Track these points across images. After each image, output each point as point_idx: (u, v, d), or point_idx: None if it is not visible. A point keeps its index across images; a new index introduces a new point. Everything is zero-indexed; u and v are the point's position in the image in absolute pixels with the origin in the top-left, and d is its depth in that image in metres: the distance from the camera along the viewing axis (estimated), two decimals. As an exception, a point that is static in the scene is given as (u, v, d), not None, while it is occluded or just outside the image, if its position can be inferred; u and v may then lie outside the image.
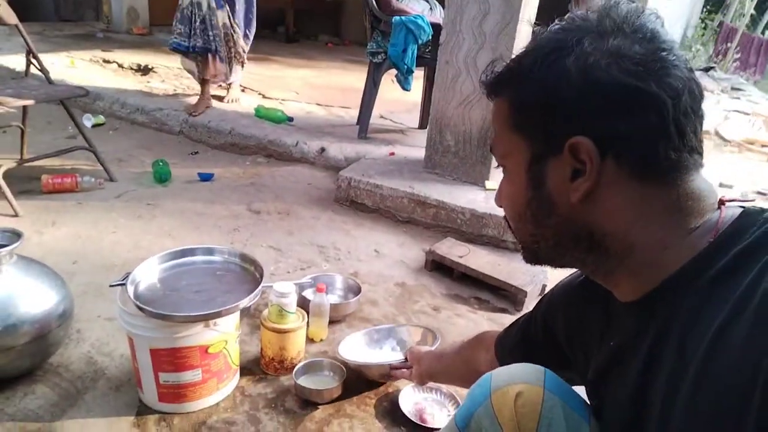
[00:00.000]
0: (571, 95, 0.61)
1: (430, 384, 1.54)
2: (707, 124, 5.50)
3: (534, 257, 0.72)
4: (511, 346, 1.03)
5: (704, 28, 11.35)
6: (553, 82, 0.62)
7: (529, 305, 2.08)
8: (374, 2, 3.21)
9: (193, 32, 3.38)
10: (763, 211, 0.60)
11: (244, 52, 3.61)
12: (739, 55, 9.89)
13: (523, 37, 2.52)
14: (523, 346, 0.99)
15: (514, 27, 2.43)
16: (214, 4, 3.36)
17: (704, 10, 12.22)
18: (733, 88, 7.92)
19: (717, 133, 5.29)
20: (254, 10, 3.66)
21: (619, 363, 0.68)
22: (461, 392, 1.51)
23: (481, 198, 2.58)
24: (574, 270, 0.87)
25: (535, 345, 0.96)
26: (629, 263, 0.64)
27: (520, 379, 0.79)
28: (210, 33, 3.40)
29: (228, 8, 3.43)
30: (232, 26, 3.47)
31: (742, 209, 0.62)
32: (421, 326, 1.76)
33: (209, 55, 3.47)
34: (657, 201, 0.61)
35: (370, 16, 3.27)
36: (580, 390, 0.82)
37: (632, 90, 0.59)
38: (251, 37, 3.71)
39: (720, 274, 0.56)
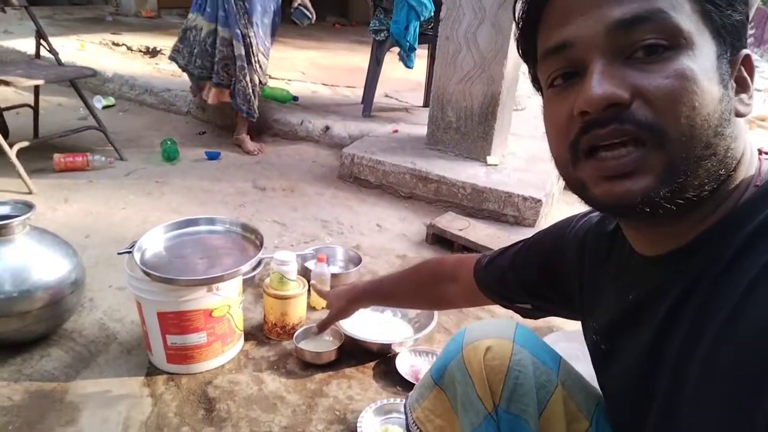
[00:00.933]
0: None
1: (426, 347, 1.61)
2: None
3: (676, 190, 0.52)
4: (498, 275, 0.96)
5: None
6: None
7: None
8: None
9: (191, 56, 2.99)
10: None
11: (263, 70, 3.10)
12: (753, 31, 9.71)
13: (523, 12, 2.53)
14: (515, 274, 0.93)
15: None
16: (226, 35, 2.91)
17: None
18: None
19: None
20: (281, 16, 3.16)
21: (635, 318, 0.64)
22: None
23: (482, 173, 2.62)
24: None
25: (527, 276, 0.91)
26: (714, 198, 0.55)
27: (491, 333, 0.83)
28: (212, 61, 2.96)
29: (252, 34, 2.94)
30: (253, 54, 2.98)
31: None
32: None
33: (207, 83, 3.05)
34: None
35: (373, -6, 3.29)
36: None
37: None
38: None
39: (757, 229, 0.52)
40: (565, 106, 0.56)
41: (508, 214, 2.47)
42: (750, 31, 9.98)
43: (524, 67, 2.45)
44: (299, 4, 3.11)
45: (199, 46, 2.94)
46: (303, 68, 4.62)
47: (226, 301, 1.45)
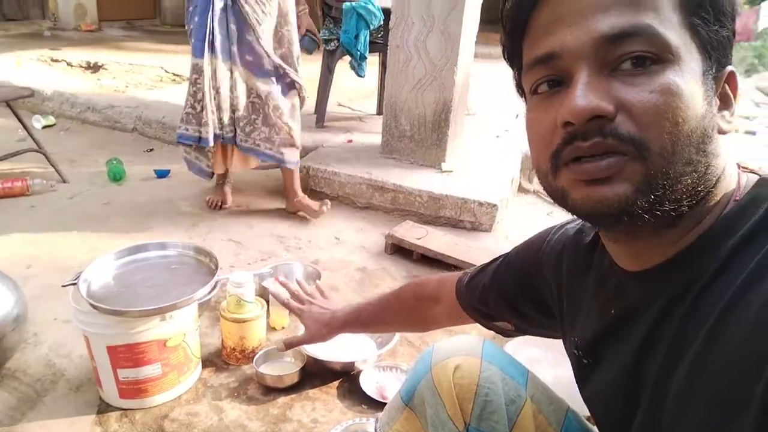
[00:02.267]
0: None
1: (390, 363, 1.59)
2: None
3: (654, 202, 0.52)
4: (479, 293, 0.95)
5: None
6: None
7: (487, 281, 2.14)
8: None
9: (204, 119, 2.29)
10: None
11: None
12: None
13: (471, 18, 2.56)
14: (495, 291, 0.91)
15: (461, 8, 2.46)
16: (264, 91, 2.31)
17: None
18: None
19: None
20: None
21: (617, 333, 0.64)
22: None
23: (438, 180, 2.63)
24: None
25: (506, 291, 0.89)
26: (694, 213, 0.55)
27: (459, 351, 0.82)
28: (232, 116, 2.36)
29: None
30: (290, 70, 2.40)
31: (758, 177, 0.57)
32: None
33: (229, 148, 2.45)
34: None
35: (321, 3, 3.26)
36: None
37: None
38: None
39: (740, 243, 0.52)
40: (548, 115, 0.55)
41: (465, 220, 2.48)
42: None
43: (475, 73, 2.44)
44: (307, 31, 2.77)
45: (219, 97, 2.28)
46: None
47: (181, 329, 1.40)
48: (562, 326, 0.78)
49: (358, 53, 3.12)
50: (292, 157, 2.44)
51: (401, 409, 0.88)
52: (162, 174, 2.90)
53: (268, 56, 2.29)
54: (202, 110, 2.27)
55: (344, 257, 2.24)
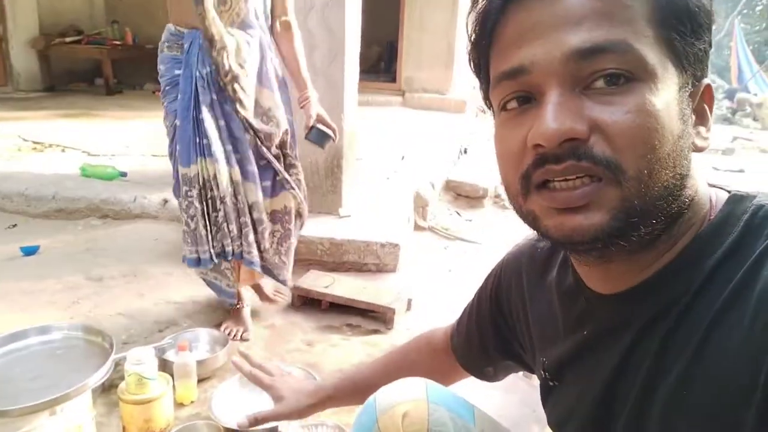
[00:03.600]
0: (708, 7, 0.51)
1: (315, 421, 1.50)
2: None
3: (629, 228, 0.50)
4: (465, 335, 0.92)
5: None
6: None
7: (399, 321, 2.14)
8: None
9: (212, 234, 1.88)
10: (750, 195, 0.55)
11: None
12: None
13: (351, 66, 2.63)
14: (474, 330, 0.89)
15: (342, 57, 2.53)
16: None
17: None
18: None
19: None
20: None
21: (589, 355, 0.62)
22: (350, 424, 1.49)
23: (338, 226, 2.61)
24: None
25: (483, 326, 0.87)
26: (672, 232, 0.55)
27: (404, 397, 0.79)
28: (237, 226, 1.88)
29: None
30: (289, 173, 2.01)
31: (729, 193, 0.56)
32: (297, 366, 1.71)
33: (237, 265, 1.99)
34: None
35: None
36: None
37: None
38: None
39: (717, 264, 0.51)
40: (518, 133, 0.53)
41: (370, 263, 2.48)
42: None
43: (363, 116, 2.45)
44: (316, 121, 1.97)
45: (225, 208, 1.84)
46: (127, 141, 4.28)
47: (76, 423, 1.23)
48: (532, 348, 0.77)
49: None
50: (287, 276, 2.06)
51: None
52: (30, 251, 2.59)
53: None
54: (196, 227, 1.86)
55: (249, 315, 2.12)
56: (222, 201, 1.83)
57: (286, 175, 1.97)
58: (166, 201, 3.04)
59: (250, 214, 1.89)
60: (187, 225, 1.87)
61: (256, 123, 1.84)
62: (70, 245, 2.72)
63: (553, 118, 0.48)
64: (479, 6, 0.55)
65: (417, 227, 3.20)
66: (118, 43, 6.71)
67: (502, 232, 3.41)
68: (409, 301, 2.23)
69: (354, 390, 1.02)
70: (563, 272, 0.68)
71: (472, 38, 0.57)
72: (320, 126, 1.96)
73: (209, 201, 1.84)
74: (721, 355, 0.47)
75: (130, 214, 3.03)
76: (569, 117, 0.48)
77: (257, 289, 2.18)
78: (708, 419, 0.47)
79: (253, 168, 1.86)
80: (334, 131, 1.99)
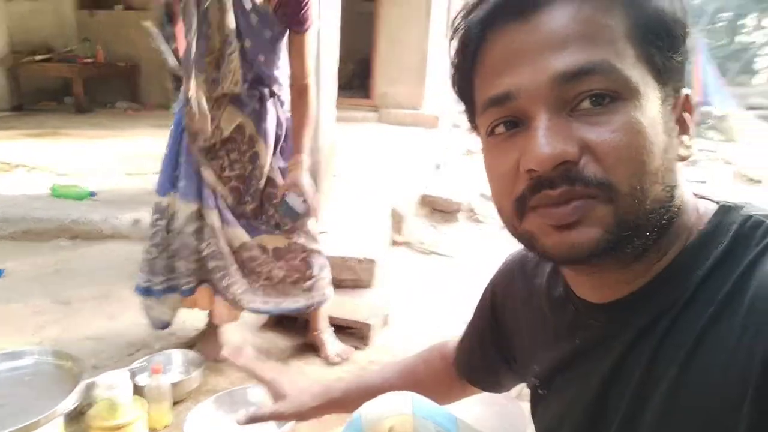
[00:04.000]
0: (683, 20, 0.52)
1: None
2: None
3: (622, 241, 0.51)
4: (468, 360, 0.92)
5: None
6: None
7: (376, 337, 2.13)
8: (173, 63, 3.12)
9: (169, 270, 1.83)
10: (738, 206, 0.56)
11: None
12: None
13: (330, 82, 2.65)
14: (478, 348, 0.89)
15: (319, 73, 2.53)
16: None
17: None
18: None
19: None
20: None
21: (579, 364, 0.63)
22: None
23: (313, 243, 2.60)
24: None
25: (485, 342, 0.87)
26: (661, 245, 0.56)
27: (390, 411, 0.78)
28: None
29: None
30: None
31: (718, 204, 0.57)
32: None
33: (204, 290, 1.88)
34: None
35: (171, 76, 3.16)
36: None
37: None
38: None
39: (707, 275, 0.52)
40: (508, 158, 0.53)
41: (347, 279, 2.47)
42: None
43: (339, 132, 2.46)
44: (288, 191, 1.78)
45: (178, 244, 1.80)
46: (99, 160, 4.22)
47: (44, 452, 1.19)
48: (523, 356, 0.78)
49: (215, 124, 3.04)
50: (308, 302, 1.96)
51: None
52: (-5, 274, 2.53)
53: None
54: (156, 257, 1.83)
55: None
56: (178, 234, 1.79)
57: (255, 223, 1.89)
58: (137, 221, 3.00)
59: (236, 254, 1.84)
60: (149, 253, 1.83)
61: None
62: (38, 267, 2.65)
63: (545, 142, 0.50)
64: (459, 32, 0.56)
65: (394, 242, 3.21)
66: (89, 61, 6.62)
67: (477, 246, 3.44)
68: (386, 317, 2.23)
69: (363, 396, 0.93)
70: (553, 281, 0.69)
71: (455, 63, 0.58)
72: (291, 200, 1.77)
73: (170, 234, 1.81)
74: (711, 365, 0.48)
75: (101, 234, 2.97)
76: (560, 140, 0.49)
77: (323, 348, 2.02)
78: (698, 429, 0.48)
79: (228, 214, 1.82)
80: (309, 207, 1.80)
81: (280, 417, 0.97)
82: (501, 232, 3.85)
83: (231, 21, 1.62)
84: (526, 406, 1.67)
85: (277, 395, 0.96)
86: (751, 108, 8.92)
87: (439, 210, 3.85)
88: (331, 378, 1.86)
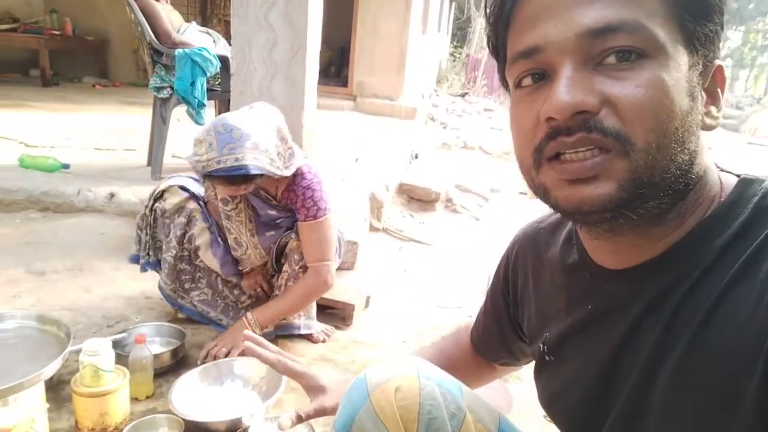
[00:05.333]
0: None
1: (280, 413, 1.49)
2: (473, 141, 6.24)
3: (637, 199, 0.52)
4: (484, 337, 0.94)
5: (454, 60, 13.12)
6: None
7: (358, 318, 2.14)
8: (152, 35, 3.04)
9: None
10: (759, 179, 0.56)
11: None
12: (486, 81, 11.57)
13: (312, 64, 2.63)
14: (495, 328, 0.90)
15: (303, 54, 2.52)
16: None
17: (452, 44, 14.13)
18: (485, 110, 9.26)
19: (481, 148, 6.11)
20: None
21: (592, 330, 0.63)
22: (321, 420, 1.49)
23: (294, 223, 2.59)
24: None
25: (500, 316, 0.88)
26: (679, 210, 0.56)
27: (396, 372, 0.79)
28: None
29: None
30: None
31: (739, 177, 0.58)
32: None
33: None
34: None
35: (149, 50, 3.09)
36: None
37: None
38: None
39: (727, 243, 0.53)
40: (532, 109, 0.55)
41: (327, 261, 2.47)
42: (483, 82, 11.79)
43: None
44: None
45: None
46: (67, 133, 4.09)
47: (28, 414, 1.16)
48: (532, 325, 0.78)
49: (196, 101, 2.99)
50: None
51: None
52: (-38, 243, 2.43)
53: None
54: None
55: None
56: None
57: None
58: (112, 195, 2.93)
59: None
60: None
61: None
62: (8, 238, 2.56)
63: (565, 91, 0.51)
64: None
65: (372, 228, 3.22)
66: (56, 33, 6.41)
67: (454, 235, 3.49)
68: (368, 299, 2.24)
69: None
70: (567, 249, 0.70)
71: (491, 20, 0.60)
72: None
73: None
74: (727, 327, 0.49)
75: (73, 207, 2.89)
76: (580, 90, 0.50)
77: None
78: (710, 388, 0.48)
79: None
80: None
81: (324, 412, 0.92)
82: (477, 222, 3.92)
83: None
84: (511, 387, 1.72)
85: (314, 389, 0.94)
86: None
87: (416, 199, 3.88)
88: (314, 355, 1.87)
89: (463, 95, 10.40)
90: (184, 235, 1.83)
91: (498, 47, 0.60)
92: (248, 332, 0.92)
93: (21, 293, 2.07)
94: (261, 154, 1.54)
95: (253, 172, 1.50)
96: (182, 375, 1.59)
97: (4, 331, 1.27)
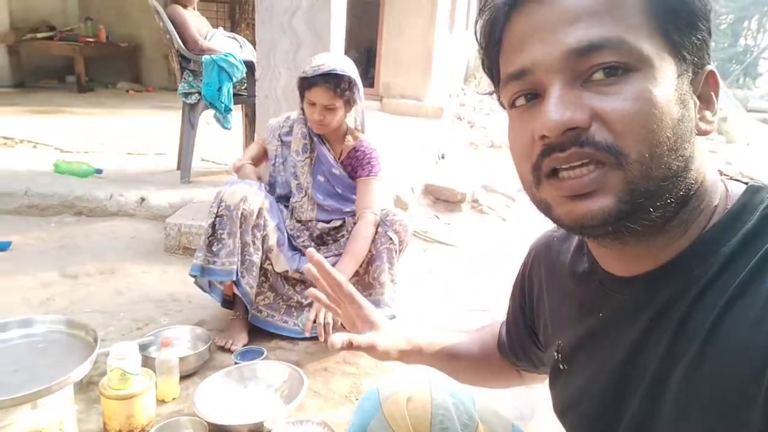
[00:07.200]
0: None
1: (301, 417, 1.50)
2: (499, 140, 6.16)
3: (637, 210, 0.53)
4: (508, 342, 0.92)
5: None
6: None
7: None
8: (180, 43, 3.11)
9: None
10: (766, 187, 0.56)
11: None
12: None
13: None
14: (515, 334, 0.90)
15: (327, 59, 2.53)
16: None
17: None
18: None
19: (507, 146, 6.04)
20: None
21: (602, 338, 0.64)
22: (335, 420, 1.50)
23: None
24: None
25: (519, 324, 0.88)
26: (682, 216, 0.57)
27: (406, 383, 0.80)
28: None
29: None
30: None
31: (745, 184, 0.58)
32: (287, 365, 1.69)
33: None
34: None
35: (177, 57, 3.15)
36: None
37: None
38: None
39: (734, 251, 0.53)
40: (527, 128, 0.56)
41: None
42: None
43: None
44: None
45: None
46: (101, 139, 4.21)
47: (57, 417, 1.20)
48: (546, 334, 0.78)
49: (223, 105, 3.04)
50: None
51: None
52: (1, 247, 2.52)
53: None
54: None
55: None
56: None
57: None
58: (143, 199, 3.00)
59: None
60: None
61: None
62: (44, 242, 2.65)
63: (554, 110, 0.52)
64: (486, 15, 0.60)
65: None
66: (91, 40, 6.58)
67: (480, 236, 3.46)
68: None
69: (442, 351, 0.91)
70: (578, 257, 0.70)
71: (483, 45, 0.62)
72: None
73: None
74: (734, 337, 0.49)
75: (105, 211, 2.97)
76: (569, 108, 0.52)
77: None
78: (719, 398, 0.49)
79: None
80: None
81: (373, 348, 0.83)
82: (504, 223, 3.87)
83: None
84: (534, 394, 1.68)
85: (369, 323, 0.85)
86: (752, 111, 8.97)
87: (442, 200, 3.86)
88: (336, 357, 1.88)
89: (491, 93, 10.27)
90: (264, 238, 1.92)
91: (492, 69, 0.62)
92: (312, 251, 0.85)
93: (54, 296, 2.14)
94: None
95: (356, 78, 1.92)
96: (207, 377, 1.62)
97: (33, 335, 1.31)
